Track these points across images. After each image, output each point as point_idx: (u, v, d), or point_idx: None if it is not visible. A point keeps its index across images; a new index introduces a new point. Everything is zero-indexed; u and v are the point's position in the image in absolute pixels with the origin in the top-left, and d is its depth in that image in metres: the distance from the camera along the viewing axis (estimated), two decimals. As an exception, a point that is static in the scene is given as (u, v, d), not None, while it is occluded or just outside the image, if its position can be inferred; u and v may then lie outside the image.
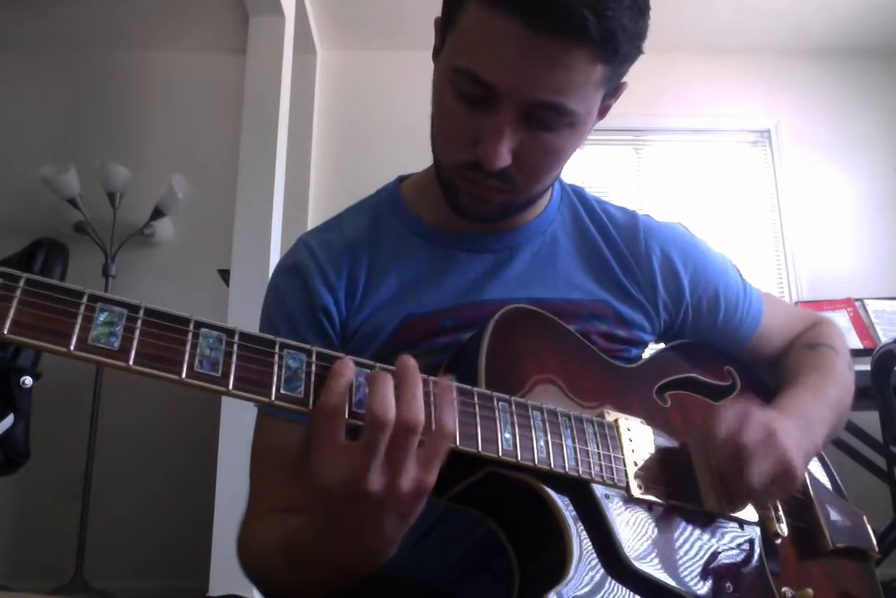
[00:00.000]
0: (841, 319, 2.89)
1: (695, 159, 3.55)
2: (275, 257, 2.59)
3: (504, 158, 0.68)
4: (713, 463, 0.69)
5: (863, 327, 2.87)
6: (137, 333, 0.47)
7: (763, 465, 0.67)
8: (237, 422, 2.37)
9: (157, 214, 3.12)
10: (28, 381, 1.80)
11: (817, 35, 3.47)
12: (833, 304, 2.98)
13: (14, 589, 1.58)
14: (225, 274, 2.67)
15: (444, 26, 0.72)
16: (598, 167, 3.52)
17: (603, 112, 0.75)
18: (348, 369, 0.53)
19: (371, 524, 0.55)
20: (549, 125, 0.68)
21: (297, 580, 0.64)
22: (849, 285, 3.20)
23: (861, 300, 2.96)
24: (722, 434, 0.68)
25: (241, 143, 2.68)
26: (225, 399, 2.44)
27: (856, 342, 2.77)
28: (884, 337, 2.72)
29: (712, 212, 3.43)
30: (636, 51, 0.68)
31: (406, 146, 3.45)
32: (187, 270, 3.21)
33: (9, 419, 1.79)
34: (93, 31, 3.40)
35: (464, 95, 0.68)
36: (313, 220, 3.31)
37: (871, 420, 2.21)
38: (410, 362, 0.55)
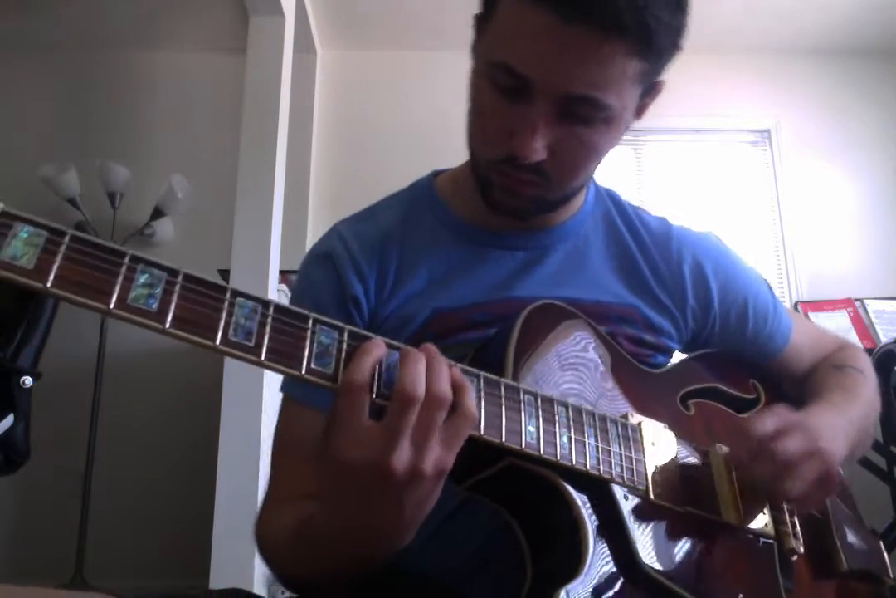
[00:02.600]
0: (841, 319, 2.89)
1: (695, 159, 3.56)
2: (275, 257, 2.60)
3: (538, 151, 0.68)
4: (752, 473, 0.67)
5: (863, 327, 2.87)
6: (175, 296, 0.47)
7: (804, 472, 0.66)
8: (237, 422, 2.37)
9: (157, 214, 3.12)
10: (28, 381, 1.80)
11: (817, 35, 3.47)
12: (833, 304, 2.98)
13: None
14: (225, 274, 2.67)
15: (481, 22, 0.72)
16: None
17: (640, 111, 0.75)
18: (378, 347, 0.53)
19: (390, 505, 0.54)
20: (585, 120, 0.68)
21: (310, 568, 0.63)
22: (849, 285, 3.20)
23: (861, 300, 2.96)
24: (766, 439, 0.66)
25: (241, 143, 2.68)
26: (225, 399, 2.45)
27: (856, 342, 2.77)
28: (884, 337, 2.73)
29: (712, 212, 3.43)
30: (673, 47, 0.68)
31: (406, 146, 3.46)
32: (187, 270, 3.21)
33: (9, 419, 1.79)
34: (93, 31, 3.40)
35: (500, 89, 0.68)
36: (313, 220, 3.31)
37: (871, 420, 2.21)
38: (434, 347, 0.55)
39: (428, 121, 3.35)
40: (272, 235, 2.59)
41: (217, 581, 2.20)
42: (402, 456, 0.51)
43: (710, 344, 0.88)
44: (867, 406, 0.86)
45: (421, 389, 0.51)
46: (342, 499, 0.56)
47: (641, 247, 0.87)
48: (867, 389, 0.88)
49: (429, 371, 0.53)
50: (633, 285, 0.84)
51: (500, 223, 0.81)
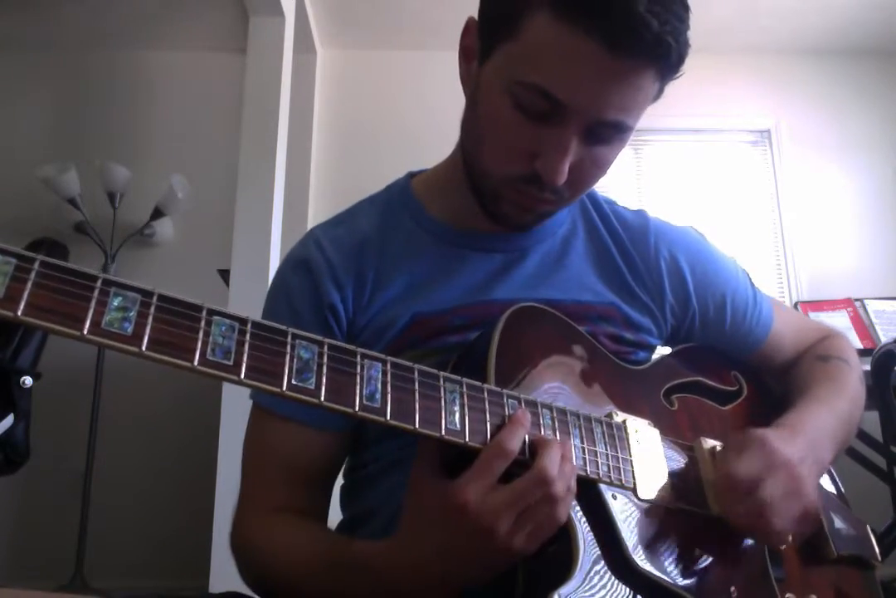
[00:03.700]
0: (841, 319, 2.89)
1: (695, 159, 3.55)
2: (275, 257, 2.59)
3: (565, 174, 0.68)
4: (732, 519, 0.67)
5: (863, 327, 2.87)
6: (151, 319, 0.46)
7: (785, 517, 0.67)
8: (237, 422, 2.37)
9: (157, 214, 3.12)
10: (28, 381, 1.80)
11: (817, 35, 3.47)
12: (833, 304, 2.98)
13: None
14: (225, 274, 2.67)
15: (496, 32, 0.68)
16: (597, 167, 3.52)
17: None
18: (526, 419, 0.59)
19: (466, 560, 0.58)
20: (606, 140, 0.69)
21: (324, 590, 0.64)
22: (849, 285, 3.20)
23: (861, 300, 2.96)
24: (742, 488, 0.66)
25: (241, 143, 2.68)
26: (225, 400, 2.44)
27: (856, 342, 2.77)
28: (884, 337, 2.72)
29: (712, 212, 3.43)
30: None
31: (405, 145, 3.46)
32: (187, 270, 3.21)
33: (9, 419, 1.79)
34: (93, 31, 3.40)
35: (524, 109, 0.66)
36: (313, 220, 3.31)
37: (871, 420, 2.21)
38: (569, 444, 0.62)
39: (429, 120, 3.35)
40: (272, 235, 2.59)
41: (217, 581, 2.20)
42: (508, 521, 0.55)
43: (690, 339, 0.88)
44: (853, 398, 0.86)
45: (554, 475, 0.56)
46: (426, 537, 0.58)
47: (618, 244, 0.86)
48: (853, 380, 0.88)
49: (563, 463, 0.58)
50: (611, 283, 0.84)
51: (478, 225, 0.80)
